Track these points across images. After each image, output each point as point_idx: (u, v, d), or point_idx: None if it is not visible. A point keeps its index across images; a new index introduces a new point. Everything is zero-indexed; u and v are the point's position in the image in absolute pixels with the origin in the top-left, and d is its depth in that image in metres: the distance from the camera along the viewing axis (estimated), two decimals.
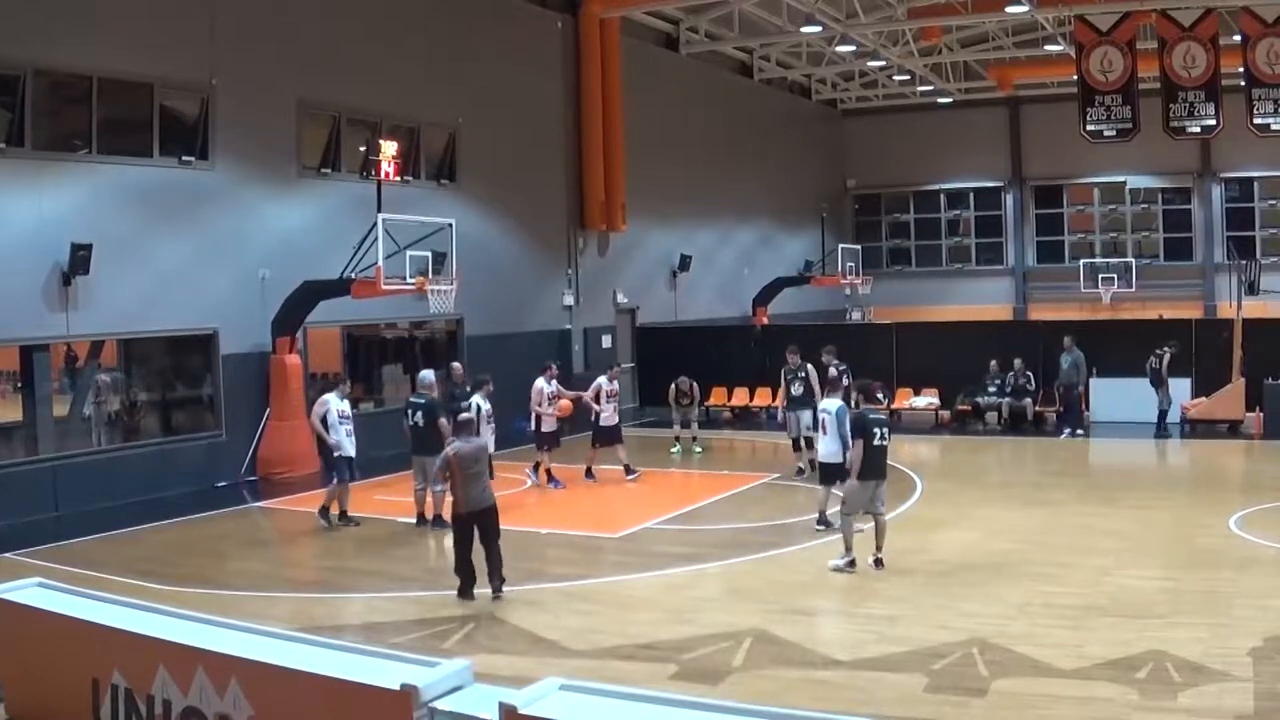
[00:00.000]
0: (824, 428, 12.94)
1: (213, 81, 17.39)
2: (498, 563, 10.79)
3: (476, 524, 10.77)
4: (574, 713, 5.48)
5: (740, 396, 24.89)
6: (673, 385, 20.06)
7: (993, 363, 22.38)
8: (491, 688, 6.06)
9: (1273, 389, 20.35)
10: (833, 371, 18.87)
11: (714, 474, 18.05)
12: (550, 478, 16.74)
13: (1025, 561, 11.74)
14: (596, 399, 17.07)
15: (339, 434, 14.16)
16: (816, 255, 34.85)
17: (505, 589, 10.74)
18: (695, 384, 20.04)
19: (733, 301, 31.58)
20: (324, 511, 14.27)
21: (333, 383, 15.51)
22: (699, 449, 20.06)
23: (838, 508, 12.21)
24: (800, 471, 16.89)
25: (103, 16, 15.98)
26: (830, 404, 13.08)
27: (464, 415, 11.87)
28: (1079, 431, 20.86)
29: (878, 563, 11.34)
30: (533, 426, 16.99)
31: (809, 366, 16.98)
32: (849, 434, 11.93)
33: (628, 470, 17.07)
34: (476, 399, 14.85)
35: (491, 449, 13.51)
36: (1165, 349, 20.55)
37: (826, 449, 12.94)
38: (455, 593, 10.77)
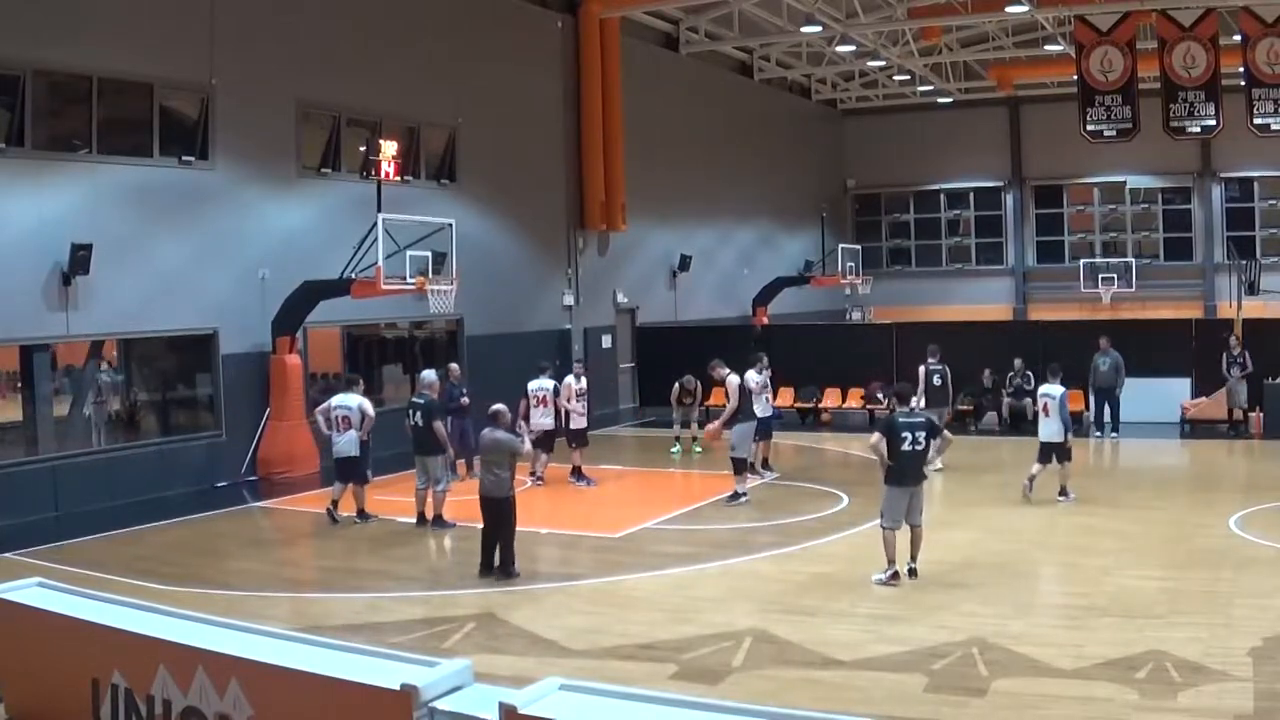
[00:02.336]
0: (1046, 410, 14.64)
1: (213, 81, 17.39)
2: (505, 555, 11.51)
3: (487, 512, 11.52)
4: (574, 713, 5.48)
5: None
6: (677, 384, 19.99)
7: (986, 371, 22.20)
8: (491, 688, 6.07)
9: (1273, 389, 20.35)
10: (922, 370, 18.78)
11: (714, 474, 18.01)
12: (580, 474, 16.80)
13: (1025, 561, 11.75)
14: (568, 399, 16.96)
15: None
16: (816, 255, 34.82)
17: (505, 588, 11.07)
18: (700, 383, 19.98)
19: (733, 301, 31.55)
20: (362, 513, 14.40)
21: (340, 383, 15.52)
22: (699, 449, 20.02)
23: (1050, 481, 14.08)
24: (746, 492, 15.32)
25: (103, 16, 15.97)
26: (1054, 389, 14.66)
27: (494, 407, 12.13)
28: (1115, 434, 20.46)
29: (912, 572, 11.06)
30: (563, 424, 16.88)
31: (731, 379, 15.50)
32: (1069, 417, 14.46)
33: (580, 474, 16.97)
34: (546, 380, 16.49)
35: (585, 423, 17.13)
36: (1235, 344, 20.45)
37: (1047, 430, 14.62)
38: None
